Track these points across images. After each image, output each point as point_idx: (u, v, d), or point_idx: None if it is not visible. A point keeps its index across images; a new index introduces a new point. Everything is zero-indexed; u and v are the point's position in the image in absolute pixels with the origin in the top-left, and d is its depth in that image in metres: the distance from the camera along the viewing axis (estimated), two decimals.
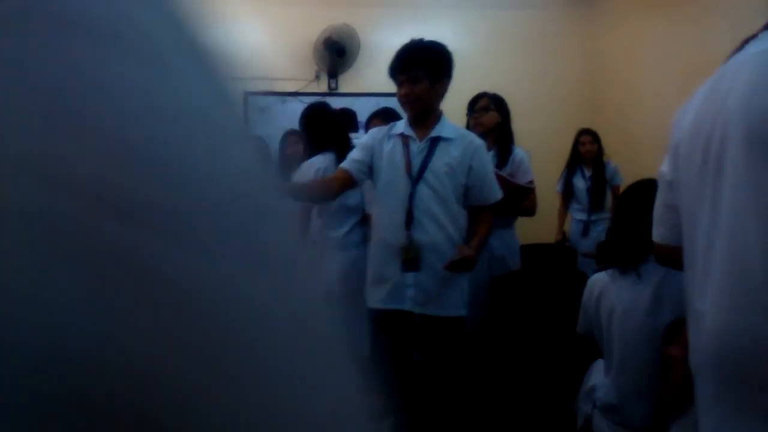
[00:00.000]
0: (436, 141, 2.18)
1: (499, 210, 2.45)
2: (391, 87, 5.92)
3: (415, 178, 2.15)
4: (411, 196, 2.13)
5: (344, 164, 2.26)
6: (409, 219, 2.12)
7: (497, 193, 2.27)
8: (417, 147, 2.18)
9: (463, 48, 5.58)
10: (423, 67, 2.12)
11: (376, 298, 2.21)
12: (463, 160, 2.16)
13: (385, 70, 6.55)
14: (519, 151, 3.05)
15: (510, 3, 5.48)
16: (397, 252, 2.13)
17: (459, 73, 5.89)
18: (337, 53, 5.20)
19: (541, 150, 4.46)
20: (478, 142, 2.26)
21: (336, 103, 5.48)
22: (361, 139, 2.37)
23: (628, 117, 4.90)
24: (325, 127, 3.01)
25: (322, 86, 5.40)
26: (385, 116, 2.97)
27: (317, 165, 2.86)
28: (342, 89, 5.46)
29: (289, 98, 5.30)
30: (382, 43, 5.46)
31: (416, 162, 2.16)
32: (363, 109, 5.27)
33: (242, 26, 4.37)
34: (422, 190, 2.13)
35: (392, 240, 2.15)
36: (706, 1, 4.08)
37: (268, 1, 5.19)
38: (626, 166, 4.36)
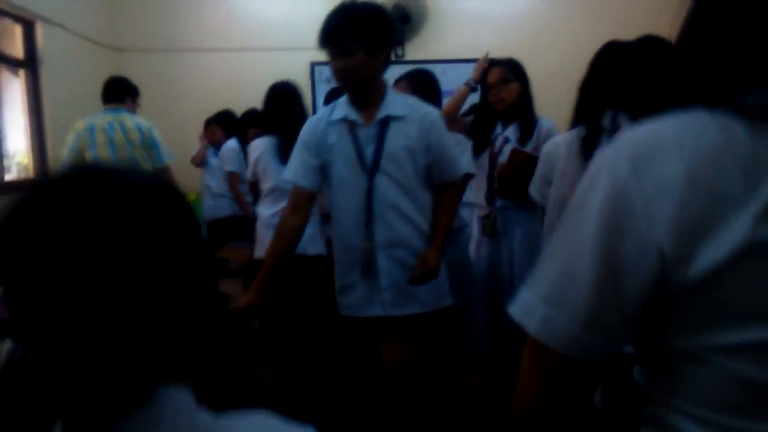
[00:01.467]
0: (386, 122, 1.89)
1: (520, 192, 2.28)
2: (459, 53, 5.81)
3: (370, 169, 1.88)
4: (369, 191, 1.88)
5: (294, 178, 1.98)
6: (369, 216, 1.89)
7: (460, 168, 2.05)
8: (366, 133, 1.89)
9: (539, 11, 5.41)
10: (356, 36, 1.79)
11: (346, 306, 2.01)
12: (421, 138, 1.89)
13: (454, 36, 6.41)
14: (545, 122, 2.65)
15: None
16: (361, 254, 1.92)
17: (533, 35, 5.68)
18: (401, 20, 5.14)
19: None
20: (433, 114, 1.96)
21: (403, 70, 5.44)
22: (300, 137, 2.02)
23: None
24: (276, 107, 2.91)
25: None
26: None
27: (259, 147, 2.93)
28: (409, 57, 5.41)
29: None
30: (451, 8, 5.35)
31: (368, 151, 1.89)
32: None
33: None
34: (381, 181, 1.88)
35: (354, 242, 1.93)
36: None
37: None
38: None
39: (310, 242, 2.71)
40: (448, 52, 5.30)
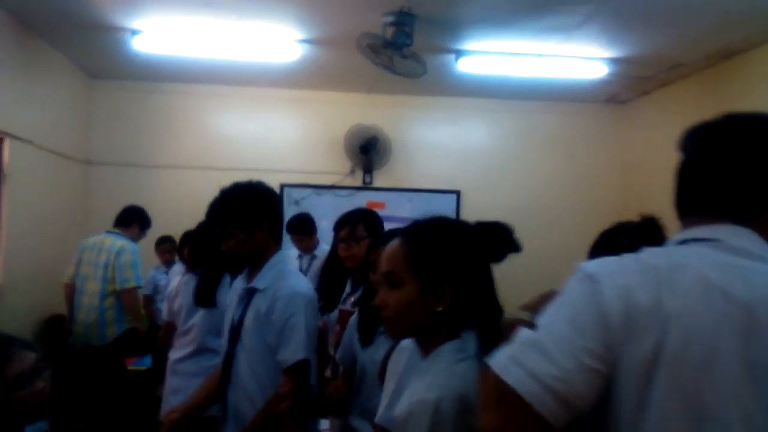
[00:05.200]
0: (252, 293, 1.93)
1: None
2: (422, 183, 6.01)
3: (233, 333, 1.94)
4: (230, 354, 1.93)
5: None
6: (225, 380, 1.92)
7: (295, 354, 1.83)
8: (239, 299, 1.98)
9: (496, 144, 5.73)
10: (234, 221, 1.90)
11: None
12: (267, 313, 1.87)
13: (418, 166, 6.65)
14: None
15: (540, 96, 5.64)
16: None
17: (492, 169, 5.96)
18: (361, 150, 5.37)
19: (570, 252, 4.38)
20: (285, 291, 1.87)
21: (369, 197, 5.63)
22: None
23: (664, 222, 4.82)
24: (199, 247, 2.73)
25: (357, 180, 5.54)
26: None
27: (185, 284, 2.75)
28: (377, 184, 5.58)
29: (325, 191, 5.44)
30: (416, 140, 5.64)
31: (236, 317, 1.95)
32: (396, 204, 5.36)
33: (282, 121, 4.63)
34: (239, 347, 1.91)
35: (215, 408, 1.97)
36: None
37: (308, 98, 5.46)
38: None
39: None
40: (409, 180, 5.51)
